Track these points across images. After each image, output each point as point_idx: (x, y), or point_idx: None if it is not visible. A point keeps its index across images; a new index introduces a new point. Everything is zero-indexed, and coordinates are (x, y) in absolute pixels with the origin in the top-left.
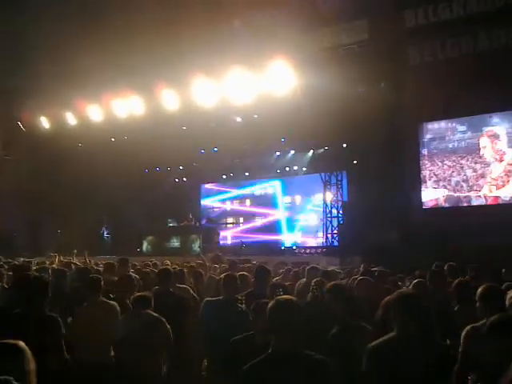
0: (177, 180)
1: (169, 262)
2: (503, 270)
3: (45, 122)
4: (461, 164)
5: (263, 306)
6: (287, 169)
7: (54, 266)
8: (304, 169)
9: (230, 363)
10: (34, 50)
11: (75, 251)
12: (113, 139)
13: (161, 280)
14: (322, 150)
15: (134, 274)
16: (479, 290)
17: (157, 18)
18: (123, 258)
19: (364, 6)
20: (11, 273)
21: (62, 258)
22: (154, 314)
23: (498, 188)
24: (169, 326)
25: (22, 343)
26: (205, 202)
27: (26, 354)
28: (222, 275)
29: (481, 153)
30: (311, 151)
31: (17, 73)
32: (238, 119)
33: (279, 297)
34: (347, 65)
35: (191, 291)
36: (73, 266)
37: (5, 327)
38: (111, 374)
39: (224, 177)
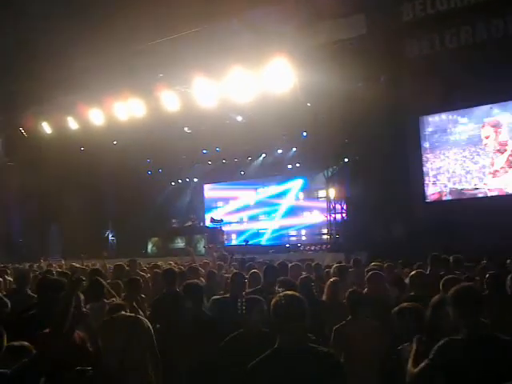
0: (180, 181)
1: (173, 263)
2: (508, 261)
3: (47, 127)
4: (463, 156)
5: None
6: (289, 166)
7: (59, 269)
8: (307, 165)
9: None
10: (35, 55)
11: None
12: (115, 142)
13: (168, 281)
14: (324, 147)
15: (143, 274)
16: None
17: (154, 18)
18: (132, 259)
19: (361, 0)
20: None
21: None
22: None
23: (500, 179)
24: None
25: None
26: (208, 202)
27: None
28: (231, 274)
29: (483, 143)
30: (313, 147)
31: (18, 79)
32: (239, 118)
33: (282, 292)
34: (346, 60)
35: None
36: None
37: (22, 328)
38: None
39: (227, 176)
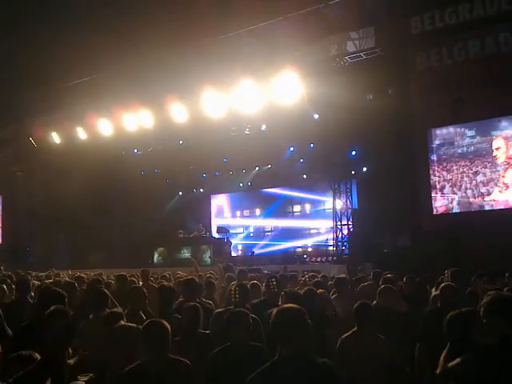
0: (187, 191)
1: (181, 273)
2: (506, 274)
3: (56, 137)
4: (470, 169)
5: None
6: (297, 177)
7: (66, 279)
8: (314, 177)
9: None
10: (45, 65)
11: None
12: (123, 153)
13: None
14: (331, 158)
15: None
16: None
17: (166, 32)
18: (144, 269)
19: (370, 13)
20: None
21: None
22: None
23: (507, 193)
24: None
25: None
26: (215, 213)
27: None
28: (233, 285)
29: (493, 154)
30: (320, 159)
31: (28, 89)
32: (247, 130)
33: (282, 305)
34: (354, 73)
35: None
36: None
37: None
38: None
39: (234, 187)
